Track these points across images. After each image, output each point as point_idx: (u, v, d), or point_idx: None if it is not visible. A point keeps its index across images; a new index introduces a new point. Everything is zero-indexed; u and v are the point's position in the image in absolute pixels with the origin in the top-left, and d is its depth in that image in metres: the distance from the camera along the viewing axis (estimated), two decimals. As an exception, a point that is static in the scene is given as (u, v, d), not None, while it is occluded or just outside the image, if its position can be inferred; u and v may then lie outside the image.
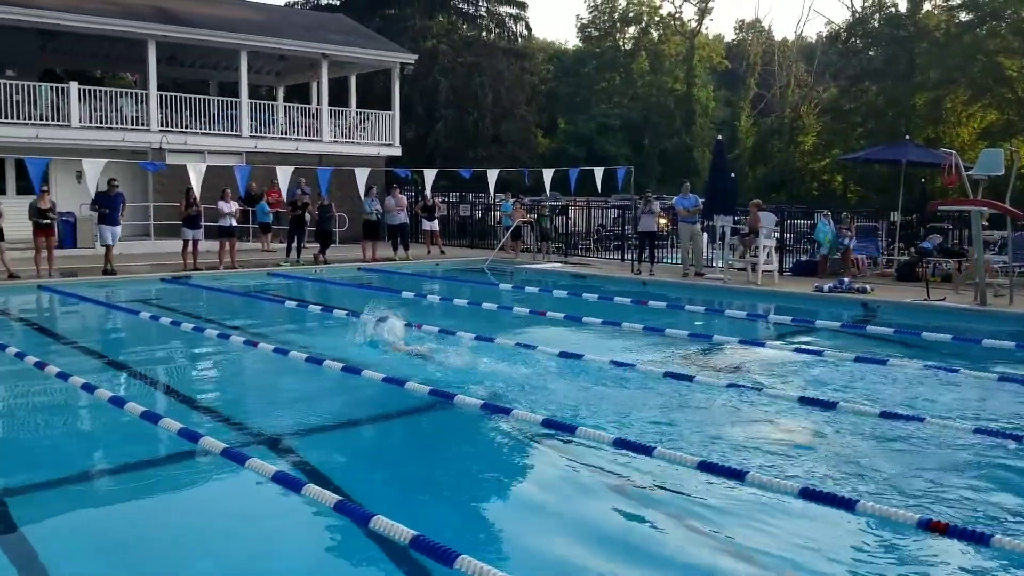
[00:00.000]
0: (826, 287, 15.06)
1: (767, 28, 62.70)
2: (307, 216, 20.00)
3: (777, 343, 11.08)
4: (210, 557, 4.89)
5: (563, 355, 9.76)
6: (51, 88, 22.10)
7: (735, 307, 13.97)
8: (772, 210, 19.07)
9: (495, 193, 23.00)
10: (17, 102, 20.94)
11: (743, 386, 8.40)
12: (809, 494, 5.48)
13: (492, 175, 20.12)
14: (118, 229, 17.13)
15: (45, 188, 16.70)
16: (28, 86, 21.55)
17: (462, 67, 41.50)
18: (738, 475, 5.82)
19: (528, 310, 13.27)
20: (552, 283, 17.23)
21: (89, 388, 8.00)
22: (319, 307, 13.82)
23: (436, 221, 22.59)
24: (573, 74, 56.58)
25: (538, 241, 21.98)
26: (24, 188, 20.22)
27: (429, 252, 21.65)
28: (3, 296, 14.86)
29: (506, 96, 42.78)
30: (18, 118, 20.86)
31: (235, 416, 7.62)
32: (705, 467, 5.98)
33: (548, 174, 19.91)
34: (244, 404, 8.24)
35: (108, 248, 16.97)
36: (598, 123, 50.55)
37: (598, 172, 19.45)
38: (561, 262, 20.56)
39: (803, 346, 10.81)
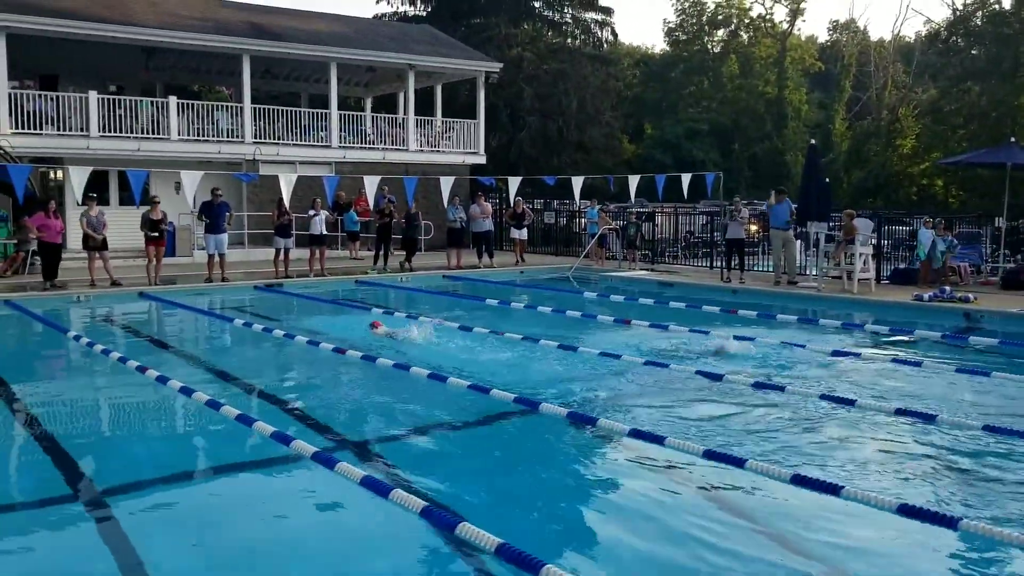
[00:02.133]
0: (926, 296, 14.49)
1: (862, 28, 61.03)
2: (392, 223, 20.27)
3: (874, 353, 10.69)
4: (299, 559, 4.96)
5: (649, 363, 9.64)
6: (152, 103, 23.01)
7: (830, 316, 13.55)
8: (868, 216, 18.46)
9: (580, 200, 22.85)
10: (120, 116, 21.86)
11: (837, 397, 8.13)
12: (908, 511, 5.25)
13: (577, 182, 19.99)
14: (223, 237, 17.49)
15: (157, 200, 17.22)
16: (130, 101, 22.50)
17: (547, 74, 41.56)
18: (833, 489, 5.61)
19: (613, 318, 13.16)
20: (638, 291, 17.02)
21: (187, 391, 8.25)
22: (404, 314, 13.96)
23: (525, 230, 22.31)
24: (660, 79, 56.12)
25: (624, 249, 21.75)
26: (126, 199, 21.07)
27: (518, 261, 21.52)
28: (107, 303, 15.49)
29: (591, 102, 42.64)
30: (121, 132, 21.77)
31: (325, 420, 7.75)
32: (798, 480, 5.79)
33: (634, 180, 19.66)
34: (333, 409, 8.37)
35: (210, 257, 17.47)
36: (686, 128, 49.97)
37: (685, 178, 19.11)
38: (647, 270, 20.31)
39: (901, 356, 10.40)
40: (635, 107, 54.29)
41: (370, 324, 11.97)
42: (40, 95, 21.45)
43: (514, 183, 20.17)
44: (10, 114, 20.30)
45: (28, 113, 20.71)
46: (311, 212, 18.81)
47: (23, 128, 20.48)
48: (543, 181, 23.42)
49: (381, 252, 20.12)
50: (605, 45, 47.71)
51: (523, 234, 22.06)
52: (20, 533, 5.31)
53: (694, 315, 13.73)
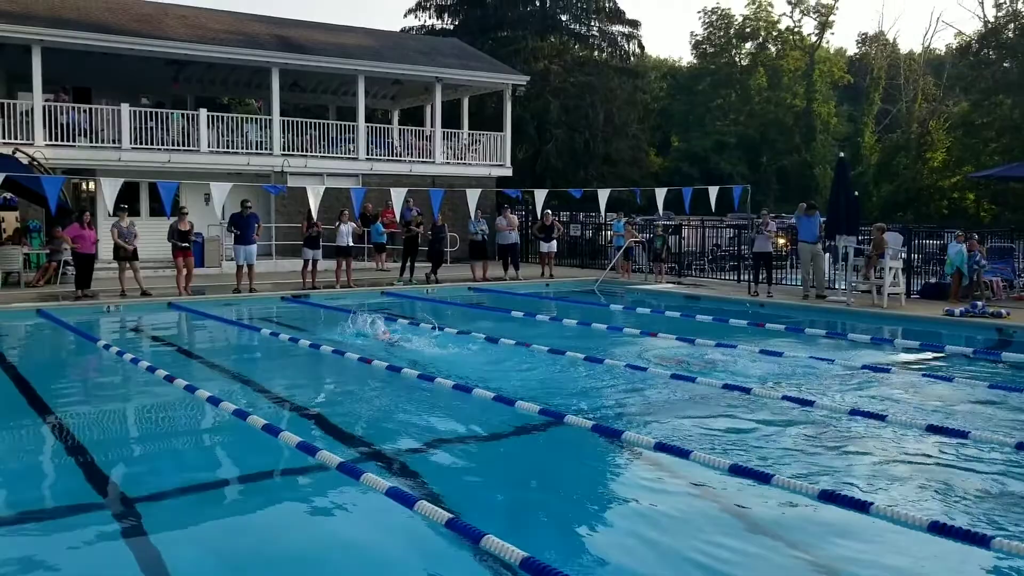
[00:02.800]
0: (957, 311, 14.29)
1: (892, 41, 60.46)
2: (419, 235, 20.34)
3: (904, 369, 10.55)
4: (324, 570, 4.98)
5: (676, 377, 9.58)
6: (182, 115, 23.29)
7: (859, 331, 13.40)
8: (899, 230, 18.27)
9: (606, 212, 22.75)
10: (151, 128, 22.15)
11: (867, 413, 8.02)
12: (939, 528, 5.16)
13: (603, 195, 19.92)
14: (252, 248, 17.67)
15: (186, 211, 17.39)
16: (161, 113, 22.78)
17: (573, 87, 41.64)
18: (862, 506, 5.53)
19: (639, 331, 13.10)
20: (665, 304, 16.94)
21: (214, 401, 8.31)
22: (430, 326, 13.97)
23: (554, 243, 21.84)
24: (687, 91, 56.04)
25: (650, 261, 21.66)
26: (156, 210, 21.32)
27: (543, 274, 21.37)
28: (136, 313, 15.66)
29: (618, 115, 42.66)
30: (152, 144, 22.05)
31: (350, 431, 7.76)
32: (827, 497, 5.72)
33: (661, 193, 19.55)
34: (359, 419, 8.38)
35: (240, 268, 17.61)
36: (713, 141, 49.85)
37: (713, 191, 18.99)
38: (674, 283, 20.22)
39: (932, 372, 10.27)
40: (662, 120, 54.23)
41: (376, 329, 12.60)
42: (73, 107, 21.80)
43: (541, 195, 20.12)
44: (44, 126, 20.64)
45: (61, 125, 21.05)
46: (338, 224, 18.93)
47: (57, 140, 20.81)
48: (569, 193, 23.38)
49: (407, 264, 20.18)
50: (632, 58, 47.70)
51: (551, 247, 21.82)
52: (48, 540, 5.37)
53: (721, 328, 13.64)
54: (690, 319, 14.63)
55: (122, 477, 6.50)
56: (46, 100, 21.27)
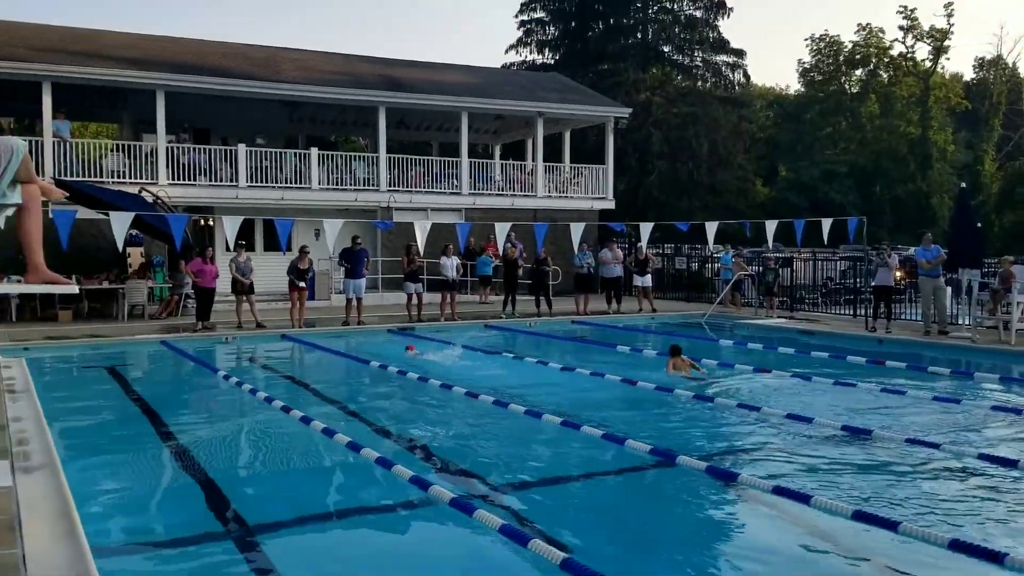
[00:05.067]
0: (1094, 347, 13.40)
1: (1012, 65, 57.84)
2: (519, 269, 20.41)
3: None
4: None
5: (791, 416, 9.25)
6: (295, 154, 24.14)
7: (985, 369, 12.70)
8: (1025, 261, 17.32)
9: (713, 245, 22.28)
10: (266, 167, 23.02)
11: (998, 457, 7.55)
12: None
13: (711, 227, 19.55)
14: (362, 282, 18.17)
15: (308, 250, 18.01)
16: (275, 153, 23.66)
17: (676, 118, 41.31)
18: (996, 557, 5.18)
19: (751, 368, 12.74)
20: (777, 340, 16.43)
21: (329, 432, 8.45)
22: (534, 360, 13.94)
23: (648, 276, 21.61)
24: (795, 120, 54.87)
25: (760, 295, 21.11)
26: (270, 245, 22.06)
27: (641, 309, 21.08)
28: (252, 344, 16.17)
29: (722, 145, 42.06)
30: (266, 182, 22.91)
31: (461, 464, 7.77)
32: (957, 546, 5.38)
33: (771, 225, 19.04)
34: (468, 453, 8.38)
35: (349, 301, 18.05)
36: (822, 170, 48.50)
37: (826, 223, 18.35)
38: (786, 317, 19.63)
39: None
40: (768, 149, 53.20)
41: (405, 348, 14.20)
42: (194, 148, 22.86)
43: (646, 229, 19.90)
44: (167, 166, 21.71)
45: (183, 165, 22.09)
46: (443, 258, 19.17)
47: (178, 179, 21.84)
48: (675, 226, 23.02)
49: (509, 297, 20.24)
50: (737, 87, 47.03)
51: (646, 280, 21.48)
52: (168, 567, 5.51)
53: (838, 365, 13.15)
54: (804, 355, 14.15)
55: (240, 505, 6.64)
56: (168, 141, 22.35)
